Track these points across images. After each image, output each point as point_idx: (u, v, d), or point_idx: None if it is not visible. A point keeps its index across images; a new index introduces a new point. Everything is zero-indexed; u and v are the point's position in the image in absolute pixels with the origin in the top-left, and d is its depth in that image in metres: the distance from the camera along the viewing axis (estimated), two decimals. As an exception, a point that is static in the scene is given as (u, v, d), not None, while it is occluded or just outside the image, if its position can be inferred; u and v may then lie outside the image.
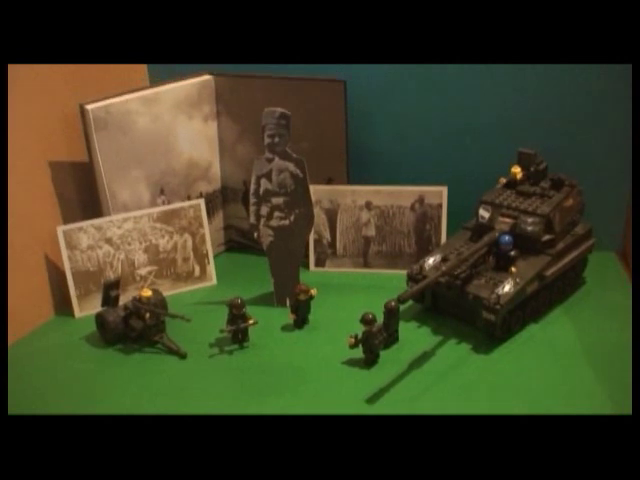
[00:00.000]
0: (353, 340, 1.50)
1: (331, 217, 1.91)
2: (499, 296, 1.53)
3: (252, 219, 1.72)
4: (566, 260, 1.67)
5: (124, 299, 1.66)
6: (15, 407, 1.30)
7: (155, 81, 1.88)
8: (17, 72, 1.49)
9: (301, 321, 1.67)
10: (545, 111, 1.83)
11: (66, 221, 1.74)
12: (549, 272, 1.62)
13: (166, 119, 1.83)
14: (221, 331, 1.58)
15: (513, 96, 1.84)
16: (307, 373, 1.49)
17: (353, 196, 1.89)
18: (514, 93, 1.84)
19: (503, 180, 1.76)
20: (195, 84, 1.86)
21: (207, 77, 1.88)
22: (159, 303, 1.63)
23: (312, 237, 1.90)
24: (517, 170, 1.73)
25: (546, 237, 1.64)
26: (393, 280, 1.78)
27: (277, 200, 1.70)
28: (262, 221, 1.72)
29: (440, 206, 1.85)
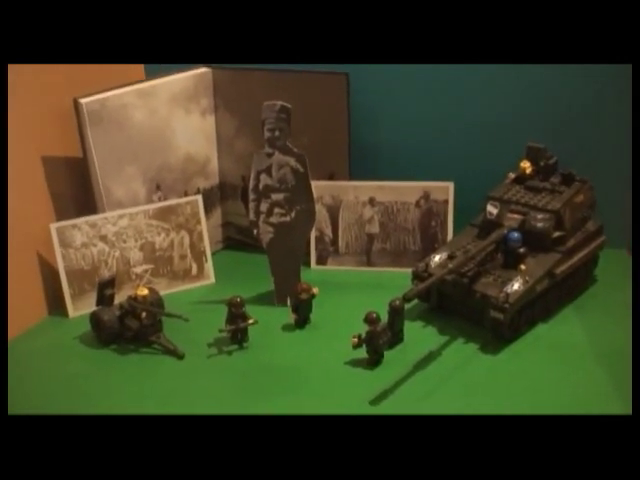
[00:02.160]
0: (357, 340, 1.50)
1: (333, 214, 1.91)
2: (508, 295, 1.53)
3: (251, 216, 1.72)
4: (577, 258, 1.67)
5: (119, 298, 1.66)
6: (10, 407, 1.30)
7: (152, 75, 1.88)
8: (11, 67, 1.49)
9: (302, 321, 1.67)
10: (554, 106, 1.83)
11: (59, 218, 1.74)
12: (559, 270, 1.63)
13: (163, 113, 1.83)
14: (220, 331, 1.58)
15: (521, 91, 1.85)
16: (309, 374, 1.49)
17: (356, 192, 1.89)
18: (520, 89, 1.84)
19: (512, 175, 1.76)
20: (192, 77, 1.86)
21: (204, 70, 1.87)
22: (155, 302, 1.63)
23: (313, 234, 1.90)
24: (526, 165, 1.73)
25: (556, 234, 1.64)
26: (397, 279, 1.78)
27: (277, 196, 1.70)
28: (262, 218, 1.72)
29: (446, 202, 1.85)
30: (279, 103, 1.66)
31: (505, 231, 1.63)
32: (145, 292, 1.61)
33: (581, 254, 1.68)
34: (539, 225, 1.64)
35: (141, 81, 1.81)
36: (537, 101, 1.86)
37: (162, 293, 1.69)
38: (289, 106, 1.66)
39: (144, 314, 1.58)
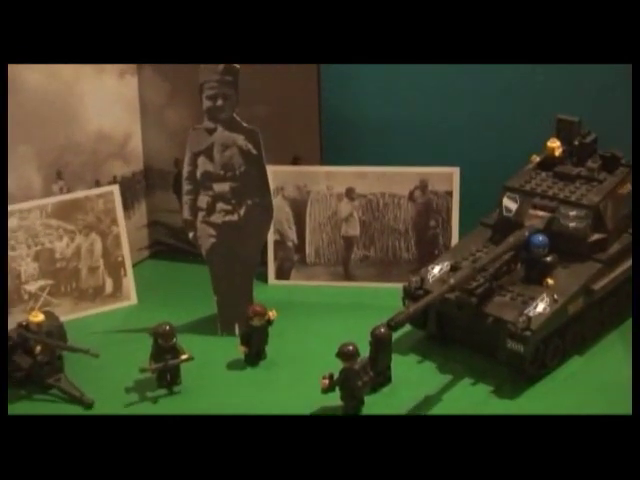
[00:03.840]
0: (327, 381, 1.49)
1: (298, 210, 1.91)
2: (530, 319, 1.53)
3: (186, 213, 1.71)
4: (622, 269, 1.67)
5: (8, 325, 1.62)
6: None
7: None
8: None
9: (255, 355, 1.66)
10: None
11: None
12: (599, 285, 1.63)
13: (66, 75, 1.81)
14: (142, 370, 1.56)
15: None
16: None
17: (329, 181, 1.89)
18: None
19: (536, 158, 1.76)
20: (107, 25, 1.87)
21: (124, 15, 1.88)
22: (55, 332, 1.62)
23: (271, 238, 1.89)
24: (555, 144, 1.73)
25: (595, 237, 1.65)
26: (383, 297, 1.78)
27: (221, 187, 1.70)
28: (200, 216, 1.71)
29: (449, 194, 1.85)
30: (223, 62, 1.66)
31: (527, 233, 1.64)
32: (40, 318, 1.59)
33: (627, 264, 1.68)
34: (572, 225, 1.64)
35: (36, 31, 1.80)
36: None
37: (64, 319, 1.68)
38: (237, 66, 1.65)
39: (39, 348, 1.57)
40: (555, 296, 1.57)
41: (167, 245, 2.03)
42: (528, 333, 1.52)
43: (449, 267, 1.65)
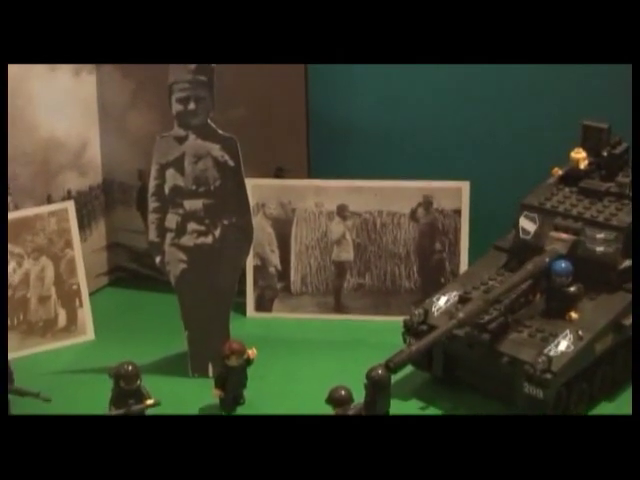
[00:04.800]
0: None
1: (282, 231, 1.92)
2: (550, 359, 1.53)
3: (153, 234, 1.72)
4: (658, 300, 1.69)
5: (-59, 366, 1.65)
6: None
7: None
8: None
9: (232, 400, 1.66)
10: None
11: None
12: (631, 320, 1.62)
13: (13, 71, 1.79)
14: (101, 418, 1.57)
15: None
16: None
17: (318, 197, 1.90)
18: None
19: (559, 172, 1.77)
20: (61, 15, 1.87)
21: (80, 4, 1.89)
22: (-1, 372, 1.62)
23: (251, 264, 1.90)
24: (581, 155, 1.74)
25: (626, 263, 1.65)
26: (381, 332, 1.78)
27: (193, 204, 1.70)
28: (169, 238, 1.71)
29: (458, 213, 1.87)
30: (195, 59, 1.67)
31: (547, 259, 1.64)
32: (-18, 356, 1.59)
33: (664, 294, 1.69)
34: (599, 249, 1.65)
35: (-22, 22, 1.81)
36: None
37: (11, 356, 1.66)
38: (211, 65, 1.66)
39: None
40: (580, 332, 1.57)
41: (129, 271, 2.04)
42: (549, 376, 1.52)
43: (457, 298, 1.66)
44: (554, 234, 1.68)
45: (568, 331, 1.57)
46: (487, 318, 1.61)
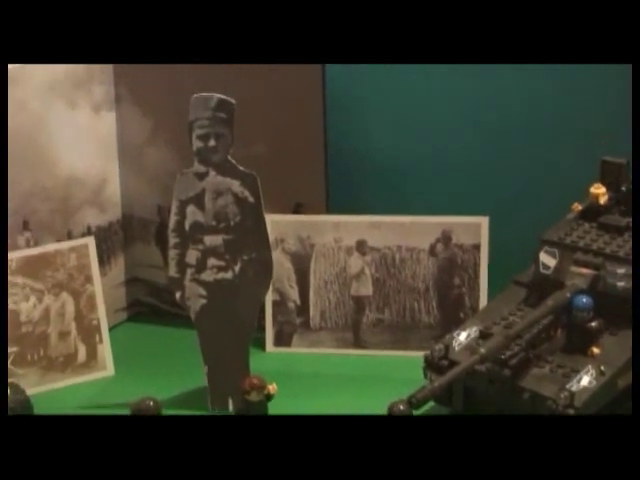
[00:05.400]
0: (337, 467, 1.50)
1: (301, 266, 1.92)
2: (572, 394, 1.52)
3: (173, 270, 1.72)
4: (680, 335, 1.69)
5: (-38, 401, 1.65)
6: None
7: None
8: None
9: (252, 436, 1.66)
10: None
11: None
12: (652, 354, 1.64)
13: (34, 108, 1.84)
14: (121, 454, 1.57)
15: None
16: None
17: (336, 232, 1.90)
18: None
19: (578, 207, 1.78)
20: (82, 53, 1.89)
21: (101, 41, 1.90)
22: (20, 406, 1.62)
23: (270, 298, 1.91)
24: (600, 191, 1.75)
25: (646, 298, 1.66)
26: (401, 368, 1.78)
27: (213, 240, 1.70)
28: (189, 273, 1.72)
29: (477, 248, 1.87)
30: (216, 96, 1.67)
31: (568, 294, 1.64)
32: (3, 391, 1.59)
33: (686, 329, 1.69)
34: (620, 284, 1.64)
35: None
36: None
37: (30, 392, 1.68)
38: (232, 101, 1.67)
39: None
40: (602, 368, 1.56)
41: (148, 306, 2.04)
42: (571, 411, 1.51)
43: (478, 333, 1.65)
44: (574, 269, 1.67)
45: (590, 366, 1.57)
46: (508, 353, 1.60)
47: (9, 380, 1.69)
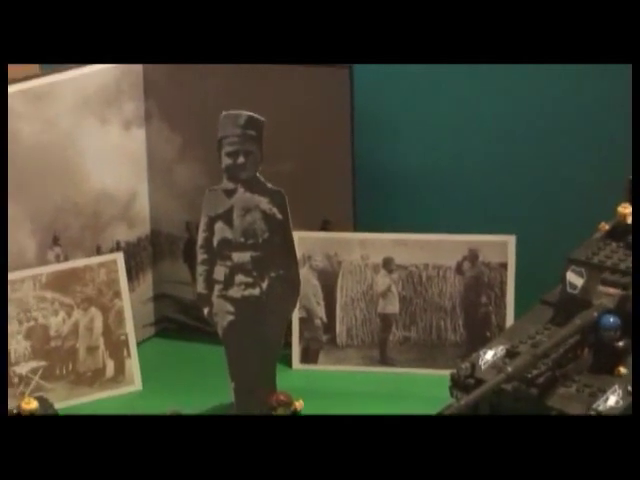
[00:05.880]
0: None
1: (328, 283, 1.92)
2: (599, 414, 1.51)
3: (201, 286, 1.73)
4: None
5: (-8, 414, 1.66)
6: None
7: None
8: None
9: (279, 452, 1.67)
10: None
11: None
12: (679, 375, 1.63)
13: (64, 125, 1.85)
14: (148, 468, 1.57)
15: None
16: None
17: (363, 249, 1.90)
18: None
19: (605, 226, 1.77)
20: (112, 70, 1.89)
21: (130, 59, 1.91)
22: (48, 422, 1.63)
23: (297, 315, 1.91)
24: (627, 210, 1.73)
25: (674, 318, 1.65)
26: (427, 386, 1.78)
27: (241, 256, 1.71)
28: (217, 289, 1.72)
29: (504, 266, 1.87)
30: (245, 113, 1.68)
31: (595, 314, 1.63)
32: (33, 405, 1.60)
33: None
34: (648, 304, 1.64)
35: (33, 77, 1.83)
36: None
37: (59, 406, 1.70)
38: (261, 119, 1.68)
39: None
40: (629, 388, 1.54)
41: (175, 322, 2.05)
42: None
43: (504, 352, 1.65)
44: (602, 288, 1.66)
45: (617, 386, 1.55)
46: (535, 372, 1.60)
47: (38, 394, 1.71)
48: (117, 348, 1.86)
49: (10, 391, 1.76)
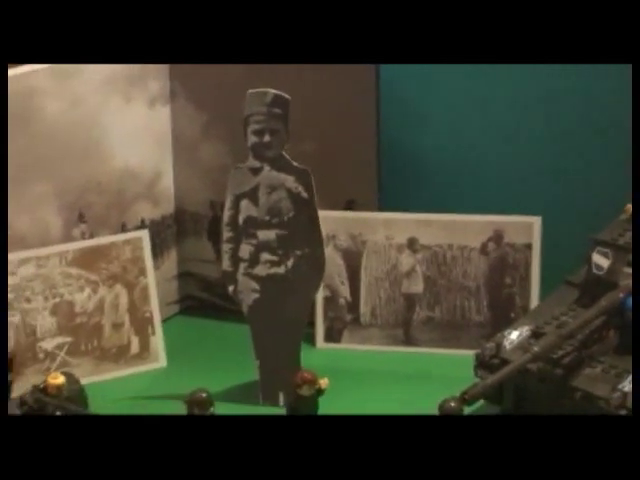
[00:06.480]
0: (387, 463, 1.50)
1: (352, 263, 1.92)
2: (625, 394, 1.52)
3: (226, 264, 1.73)
4: None
5: (19, 389, 1.66)
6: None
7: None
8: None
9: (303, 430, 1.67)
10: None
11: None
12: None
13: (90, 103, 1.85)
14: (174, 444, 1.58)
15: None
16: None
17: (388, 229, 1.90)
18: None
19: (631, 208, 1.76)
20: (139, 48, 1.90)
21: (158, 37, 1.91)
22: (75, 396, 1.62)
23: (321, 295, 1.91)
24: (653, 192, 1.75)
25: (700, 300, 1.65)
26: (451, 366, 1.78)
27: (267, 234, 1.72)
28: (242, 267, 1.73)
29: (529, 247, 1.86)
30: (271, 92, 1.68)
31: (621, 295, 1.63)
32: (60, 380, 1.59)
33: None
34: (674, 286, 1.63)
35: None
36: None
37: (85, 382, 1.70)
38: (287, 97, 1.68)
39: (58, 414, 1.57)
40: (655, 369, 1.57)
41: (199, 300, 2.05)
42: (623, 411, 1.51)
43: (530, 332, 1.65)
44: (627, 270, 1.66)
45: (642, 367, 1.57)
46: (560, 353, 1.60)
47: (64, 370, 1.72)
48: (142, 325, 1.86)
49: (36, 366, 1.78)
